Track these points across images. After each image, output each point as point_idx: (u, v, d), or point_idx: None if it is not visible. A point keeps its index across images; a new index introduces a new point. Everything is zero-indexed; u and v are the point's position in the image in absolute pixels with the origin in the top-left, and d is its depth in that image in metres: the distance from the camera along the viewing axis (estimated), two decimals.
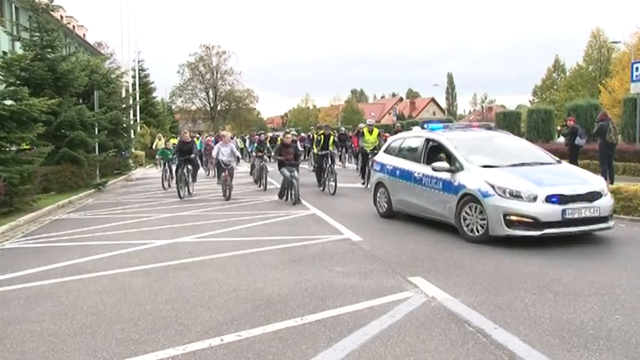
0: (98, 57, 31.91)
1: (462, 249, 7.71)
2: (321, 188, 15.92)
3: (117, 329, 4.72)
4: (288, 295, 5.61)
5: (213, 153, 15.77)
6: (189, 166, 15.67)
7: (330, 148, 16.19)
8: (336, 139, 17.77)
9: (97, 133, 20.10)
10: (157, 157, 20.88)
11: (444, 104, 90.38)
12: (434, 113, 79.76)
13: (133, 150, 28.81)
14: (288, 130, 21.52)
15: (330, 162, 15.75)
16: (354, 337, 4.37)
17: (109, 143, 21.61)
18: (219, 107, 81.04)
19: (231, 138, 25.09)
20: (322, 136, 16.36)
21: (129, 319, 5.00)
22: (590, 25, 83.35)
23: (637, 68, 20.21)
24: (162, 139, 29.64)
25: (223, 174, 14.99)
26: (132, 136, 26.51)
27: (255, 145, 19.76)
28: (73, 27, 42.42)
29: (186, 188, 15.42)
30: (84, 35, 47.32)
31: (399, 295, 5.46)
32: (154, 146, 28.55)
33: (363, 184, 16.67)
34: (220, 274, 6.55)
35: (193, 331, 4.62)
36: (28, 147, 14.78)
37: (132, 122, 27.80)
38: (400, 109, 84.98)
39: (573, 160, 18.32)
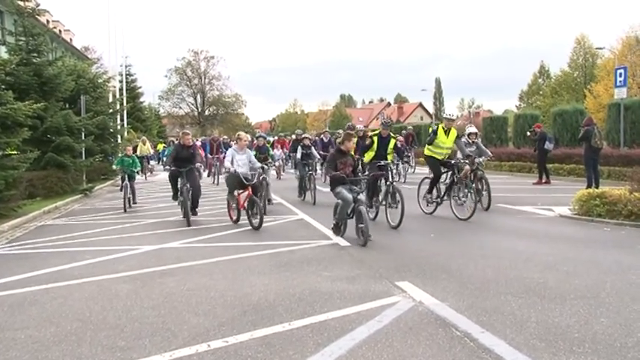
0: (85, 62, 31.70)
1: (449, 254, 7.75)
2: (373, 214, 10.77)
3: (103, 336, 4.68)
4: (276, 300, 5.59)
5: (226, 162, 10.90)
6: (190, 182, 11.35)
7: (389, 157, 11.23)
8: (398, 143, 12.20)
9: (83, 138, 19.97)
10: (114, 167, 15.75)
11: (431, 109, 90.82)
12: (421, 118, 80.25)
13: (120, 155, 28.57)
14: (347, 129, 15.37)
15: (388, 177, 10.69)
16: (342, 342, 4.36)
17: (96, 148, 21.48)
18: (207, 112, 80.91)
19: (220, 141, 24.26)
20: (376, 139, 11.17)
21: (115, 325, 4.96)
22: (574, 31, 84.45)
23: (620, 74, 20.49)
24: (148, 144, 28.91)
25: (238, 193, 10.66)
26: (119, 141, 26.33)
27: (253, 151, 16.77)
28: (60, 31, 42.16)
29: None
30: (70, 40, 47.04)
31: (386, 300, 5.47)
32: (137, 151, 28.18)
33: (430, 212, 11.67)
34: (207, 280, 6.52)
35: (180, 337, 4.59)
36: (13, 152, 14.64)
37: (119, 127, 27.65)
38: (388, 114, 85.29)
39: (542, 165, 18.58)
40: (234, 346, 4.37)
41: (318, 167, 19.84)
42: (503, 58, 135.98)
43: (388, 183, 10.54)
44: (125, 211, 13.59)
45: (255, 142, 15.47)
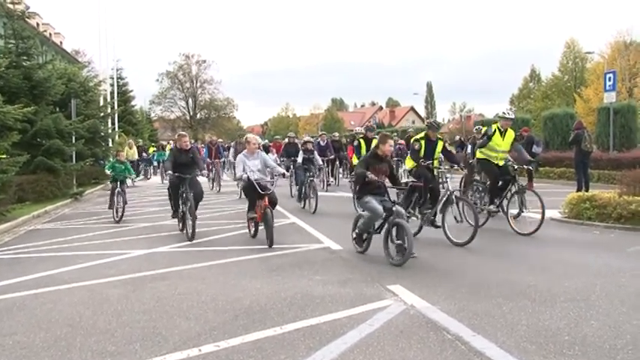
0: (76, 65, 31.59)
1: (440, 257, 7.77)
2: (437, 224, 9.17)
3: (93, 341, 4.65)
4: (267, 304, 5.58)
5: (238, 170, 9.57)
6: (193, 191, 10.01)
7: (435, 162, 9.94)
8: (446, 145, 10.51)
9: (74, 141, 19.84)
10: (107, 171, 14.04)
11: (423, 113, 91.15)
12: (413, 122, 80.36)
13: (111, 159, 28.24)
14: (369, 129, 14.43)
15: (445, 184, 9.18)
16: (333, 346, 4.36)
17: (87, 152, 21.36)
18: (198, 116, 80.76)
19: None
20: (424, 142, 9.83)
21: (105, 330, 4.93)
22: (564, 35, 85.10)
23: (610, 78, 20.66)
24: (134, 148, 26.78)
25: (260, 203, 9.20)
26: (110, 144, 26.22)
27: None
28: (50, 34, 41.99)
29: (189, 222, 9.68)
30: (61, 43, 46.84)
31: (378, 304, 5.47)
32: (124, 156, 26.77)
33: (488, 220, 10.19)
34: (199, 284, 6.50)
35: (171, 342, 4.57)
36: (3, 156, 14.54)
37: (110, 131, 27.50)
38: (380, 118, 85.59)
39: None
40: (226, 350, 4.36)
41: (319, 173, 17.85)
42: (495, 62, 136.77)
43: (449, 192, 8.86)
44: (116, 222, 12.34)
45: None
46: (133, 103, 48.28)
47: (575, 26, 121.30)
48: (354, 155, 13.56)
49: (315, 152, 15.35)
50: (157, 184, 23.71)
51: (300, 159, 14.88)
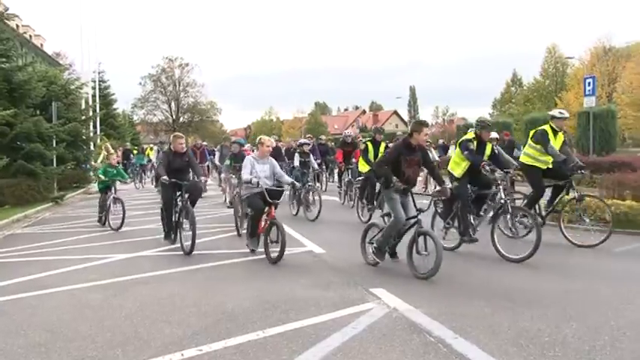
0: (56, 67, 31.24)
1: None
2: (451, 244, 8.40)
3: (73, 346, 4.60)
4: (250, 308, 5.57)
5: (245, 174, 8.37)
6: (191, 198, 9.17)
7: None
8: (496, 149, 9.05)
9: (54, 145, 19.62)
10: (94, 174, 12.71)
11: (406, 117, 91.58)
12: (396, 126, 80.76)
13: (93, 162, 27.52)
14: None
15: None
16: (316, 349, 4.36)
17: (68, 156, 21.10)
18: (181, 119, 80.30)
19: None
20: (475, 143, 8.52)
21: (86, 335, 4.87)
22: (546, 41, 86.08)
23: (589, 83, 20.95)
24: (113, 153, 21.93)
25: (267, 211, 8.24)
26: (92, 148, 25.93)
27: (228, 160, 13.42)
28: (30, 36, 41.53)
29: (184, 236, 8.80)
30: (41, 45, 46.33)
31: (361, 307, 5.49)
32: (99, 161, 21.81)
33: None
34: (181, 288, 6.46)
35: (153, 347, 4.54)
36: None
37: (92, 134, 27.22)
38: (363, 122, 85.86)
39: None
40: (208, 354, 4.34)
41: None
42: (478, 66, 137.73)
43: (503, 201, 7.93)
44: (115, 229, 11.32)
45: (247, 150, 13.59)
46: (115, 106, 47.91)
47: (556, 32, 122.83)
48: (360, 159, 12.69)
49: (312, 155, 14.44)
50: (132, 189, 23.53)
51: (296, 162, 14.13)
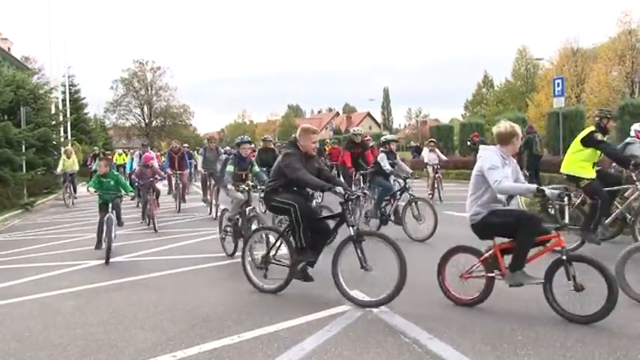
0: (25, 72, 30.63)
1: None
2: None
3: (43, 355, 4.51)
4: (225, 312, 5.53)
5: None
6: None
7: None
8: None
9: (24, 150, 19.25)
10: (88, 188, 9.54)
11: (379, 118, 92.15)
12: (370, 127, 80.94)
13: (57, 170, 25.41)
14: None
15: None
16: (291, 352, 4.35)
17: (38, 161, 20.71)
18: (154, 123, 79.45)
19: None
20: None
21: (57, 344, 4.78)
22: (516, 43, 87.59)
23: (558, 84, 21.28)
24: (73, 158, 19.63)
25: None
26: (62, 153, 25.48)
27: (233, 164, 9.02)
28: None
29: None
30: (9, 49, 45.29)
31: (336, 309, 5.49)
32: (58, 169, 19.49)
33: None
34: (155, 294, 6.39)
35: (127, 354, 4.48)
36: None
37: (62, 139, 26.75)
38: (337, 124, 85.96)
39: None
40: None
41: None
42: (450, 68, 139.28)
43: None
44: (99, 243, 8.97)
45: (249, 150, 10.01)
46: (86, 110, 47.26)
47: (526, 34, 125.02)
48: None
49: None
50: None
51: None
